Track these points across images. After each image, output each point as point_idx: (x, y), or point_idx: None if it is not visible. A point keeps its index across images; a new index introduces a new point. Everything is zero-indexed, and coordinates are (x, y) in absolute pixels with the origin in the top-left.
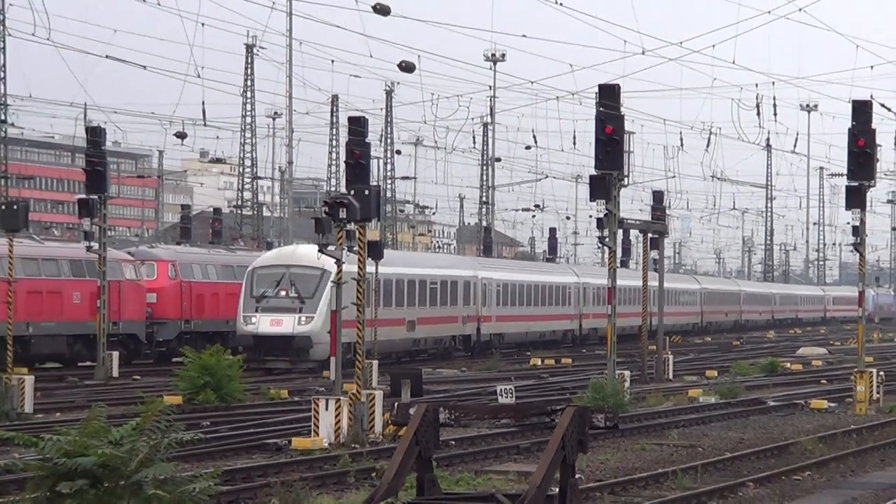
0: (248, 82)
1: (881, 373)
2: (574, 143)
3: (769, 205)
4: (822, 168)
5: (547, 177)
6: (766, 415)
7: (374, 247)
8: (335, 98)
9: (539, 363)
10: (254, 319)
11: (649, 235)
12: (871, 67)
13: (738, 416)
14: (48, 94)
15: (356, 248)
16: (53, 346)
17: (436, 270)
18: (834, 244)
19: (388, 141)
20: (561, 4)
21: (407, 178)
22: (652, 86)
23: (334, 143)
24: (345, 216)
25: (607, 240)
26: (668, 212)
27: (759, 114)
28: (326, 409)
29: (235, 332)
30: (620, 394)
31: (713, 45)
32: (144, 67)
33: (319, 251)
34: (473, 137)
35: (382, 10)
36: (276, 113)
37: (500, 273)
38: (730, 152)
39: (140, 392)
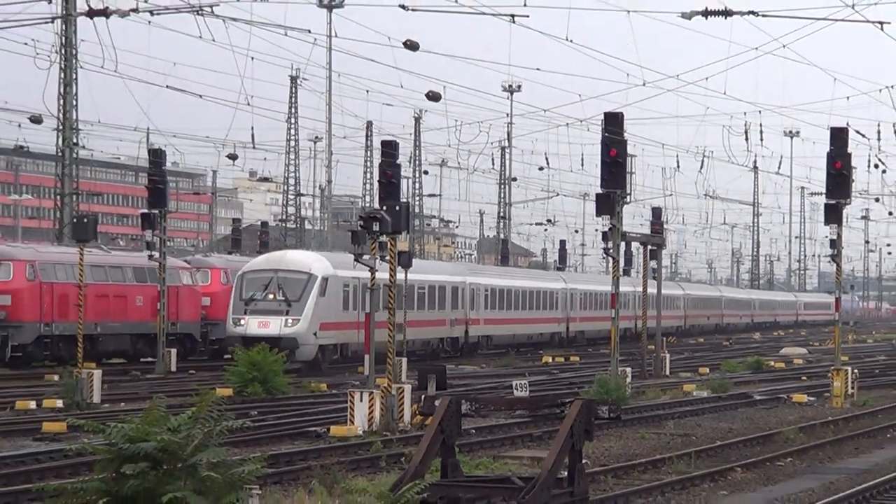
0: (293, 109)
1: (855, 370)
2: (582, 165)
3: (756, 220)
4: (803, 188)
5: (558, 195)
6: (753, 407)
7: (404, 256)
8: (370, 124)
9: (550, 360)
10: (242, 321)
11: (649, 247)
12: (848, 98)
13: (727, 409)
14: (115, 120)
15: (388, 258)
16: (119, 343)
17: (424, 276)
18: (814, 255)
19: (417, 162)
20: (571, 41)
21: (433, 195)
22: (651, 114)
23: (369, 163)
24: (378, 229)
25: (611, 251)
26: (665, 226)
27: (747, 139)
28: (361, 400)
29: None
30: (623, 388)
31: (706, 78)
32: (200, 96)
33: (356, 260)
34: (492, 160)
35: (412, 46)
36: (317, 137)
37: (489, 279)
38: (721, 173)
39: (195, 385)
